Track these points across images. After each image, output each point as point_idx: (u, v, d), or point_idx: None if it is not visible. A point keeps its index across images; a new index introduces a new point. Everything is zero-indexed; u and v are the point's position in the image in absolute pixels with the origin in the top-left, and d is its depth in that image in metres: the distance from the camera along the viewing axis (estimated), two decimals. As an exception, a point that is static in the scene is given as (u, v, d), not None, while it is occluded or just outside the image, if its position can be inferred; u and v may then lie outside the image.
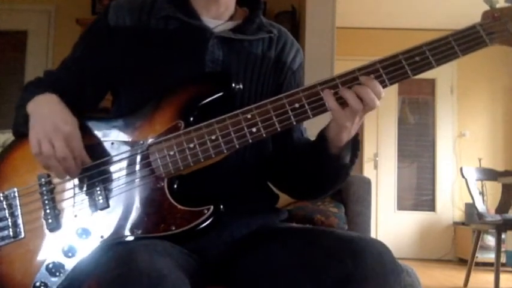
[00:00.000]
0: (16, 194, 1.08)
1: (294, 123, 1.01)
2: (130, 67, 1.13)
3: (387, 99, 6.19)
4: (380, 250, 0.93)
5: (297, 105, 1.00)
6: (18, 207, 1.08)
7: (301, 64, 1.25)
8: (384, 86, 1.01)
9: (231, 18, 1.20)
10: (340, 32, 3.97)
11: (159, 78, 1.11)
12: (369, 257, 0.91)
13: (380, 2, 5.53)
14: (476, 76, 6.16)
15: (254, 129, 1.00)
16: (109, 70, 1.15)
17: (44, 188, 1.07)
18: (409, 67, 1.00)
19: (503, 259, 4.78)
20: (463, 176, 4.10)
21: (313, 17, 3.74)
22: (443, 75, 6.18)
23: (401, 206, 6.25)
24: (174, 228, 0.98)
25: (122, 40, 1.14)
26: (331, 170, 1.09)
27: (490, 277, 4.00)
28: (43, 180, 1.07)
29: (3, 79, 4.75)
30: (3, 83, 4.71)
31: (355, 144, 1.08)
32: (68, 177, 1.05)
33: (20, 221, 1.07)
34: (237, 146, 1.01)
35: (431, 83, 6.31)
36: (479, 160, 5.85)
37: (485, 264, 5.04)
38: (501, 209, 4.10)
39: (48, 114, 1.05)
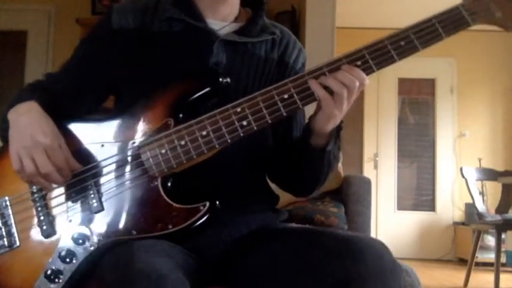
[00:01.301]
0: (8, 203, 1.07)
1: (284, 114, 1.01)
2: (134, 69, 1.13)
3: (387, 99, 6.20)
4: (380, 250, 0.93)
5: (285, 95, 1.00)
6: (11, 216, 1.06)
7: (303, 64, 1.25)
8: (371, 72, 1.02)
9: (235, 19, 1.20)
10: (340, 32, 3.97)
11: (162, 81, 1.10)
12: (368, 257, 0.91)
13: (380, 2, 5.53)
14: (476, 76, 6.15)
15: (245, 123, 1.00)
16: (111, 72, 1.15)
17: (36, 195, 1.06)
18: (395, 51, 1.01)
19: (503, 259, 4.77)
20: (463, 176, 4.10)
21: (313, 17, 3.74)
22: (443, 75, 6.18)
23: (401, 206, 6.25)
24: (171, 226, 0.98)
25: (125, 42, 1.13)
26: (317, 161, 1.09)
27: (490, 277, 4.00)
28: (34, 187, 1.06)
29: (3, 79, 4.75)
30: (3, 83, 4.70)
31: (338, 131, 1.09)
32: (55, 189, 1.04)
33: (14, 229, 1.06)
34: (229, 141, 1.01)
35: (431, 83, 6.30)
36: (479, 160, 5.84)
37: (485, 264, 5.03)
38: (501, 209, 4.10)
39: (26, 126, 1.03)
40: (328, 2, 3.74)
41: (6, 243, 1.05)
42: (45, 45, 4.75)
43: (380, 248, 0.94)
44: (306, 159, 1.10)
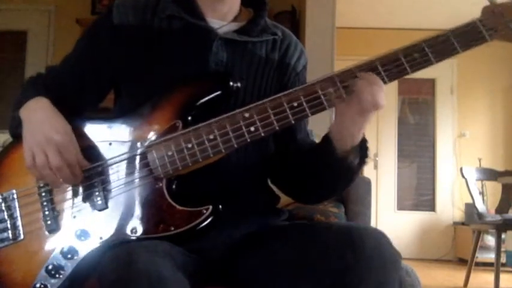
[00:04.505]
0: (15, 196, 1.08)
1: (293, 122, 1.01)
2: (133, 66, 1.13)
3: (387, 99, 6.12)
4: (379, 240, 0.94)
5: (295, 103, 1.00)
6: (17, 209, 1.08)
7: (305, 66, 1.24)
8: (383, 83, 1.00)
9: (236, 18, 1.19)
10: (340, 32, 3.97)
11: (161, 78, 1.10)
12: (367, 248, 0.91)
13: (380, 2, 5.52)
14: (476, 76, 6.15)
15: (252, 129, 1.00)
16: (111, 69, 1.15)
17: (42, 190, 1.07)
18: (408, 64, 0.99)
19: (503, 259, 4.77)
20: (463, 176, 4.10)
21: (313, 17, 3.74)
22: (443, 75, 6.18)
23: (401, 206, 6.25)
24: (173, 228, 0.98)
25: (125, 38, 1.13)
26: (334, 172, 1.08)
27: (490, 277, 4.00)
28: (41, 181, 1.07)
29: (3, 79, 4.75)
30: (3, 83, 4.70)
31: (364, 150, 1.08)
32: (63, 186, 1.04)
33: (19, 222, 1.07)
34: (236, 146, 1.01)
35: (431, 83, 6.31)
36: (479, 160, 5.84)
37: (485, 264, 5.03)
38: (501, 209, 4.09)
39: (38, 123, 1.04)
40: (328, 2, 3.75)
41: (10, 235, 1.06)
42: (45, 45, 4.75)
43: (379, 237, 0.95)
44: (323, 170, 1.08)
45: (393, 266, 0.93)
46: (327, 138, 1.06)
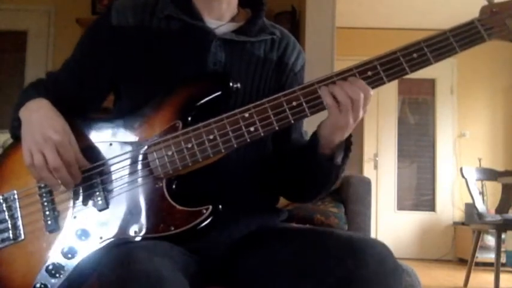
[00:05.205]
0: (16, 196, 1.08)
1: (292, 121, 1.01)
2: (132, 67, 1.13)
3: (387, 99, 6.20)
4: (381, 251, 0.93)
5: (294, 103, 1.00)
6: (18, 209, 1.08)
7: (303, 66, 1.25)
8: (382, 83, 1.01)
9: (233, 19, 1.19)
10: (340, 32, 3.97)
11: (160, 79, 1.10)
12: (369, 257, 0.91)
13: (380, 2, 5.53)
14: (476, 76, 6.16)
15: (252, 129, 1.00)
16: (111, 70, 1.15)
17: (43, 190, 1.07)
18: (407, 64, 0.99)
19: (503, 259, 4.78)
20: (463, 176, 4.10)
21: (313, 17, 3.74)
22: (443, 75, 6.18)
23: (401, 206, 6.25)
24: (173, 228, 0.98)
25: (124, 40, 1.13)
26: (322, 170, 1.09)
27: (490, 277, 4.00)
28: (41, 182, 1.07)
29: (3, 79, 4.75)
30: (3, 83, 4.71)
31: (347, 146, 1.08)
32: (62, 188, 1.04)
33: (19, 223, 1.07)
34: (235, 146, 1.01)
35: (431, 83, 6.31)
36: (479, 160, 5.85)
37: (485, 264, 5.04)
38: (501, 209, 4.10)
39: (37, 123, 1.04)
40: (328, 2, 3.75)
41: (11, 235, 1.07)
42: (45, 45, 4.75)
43: (382, 249, 0.94)
44: (311, 167, 1.09)
45: (394, 277, 0.92)
46: (315, 136, 1.07)
